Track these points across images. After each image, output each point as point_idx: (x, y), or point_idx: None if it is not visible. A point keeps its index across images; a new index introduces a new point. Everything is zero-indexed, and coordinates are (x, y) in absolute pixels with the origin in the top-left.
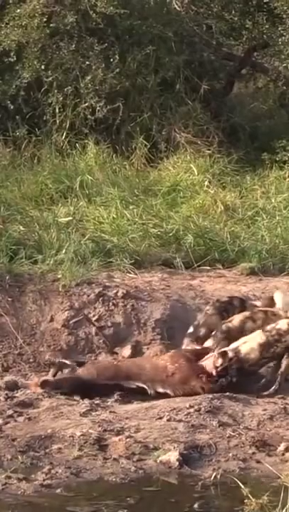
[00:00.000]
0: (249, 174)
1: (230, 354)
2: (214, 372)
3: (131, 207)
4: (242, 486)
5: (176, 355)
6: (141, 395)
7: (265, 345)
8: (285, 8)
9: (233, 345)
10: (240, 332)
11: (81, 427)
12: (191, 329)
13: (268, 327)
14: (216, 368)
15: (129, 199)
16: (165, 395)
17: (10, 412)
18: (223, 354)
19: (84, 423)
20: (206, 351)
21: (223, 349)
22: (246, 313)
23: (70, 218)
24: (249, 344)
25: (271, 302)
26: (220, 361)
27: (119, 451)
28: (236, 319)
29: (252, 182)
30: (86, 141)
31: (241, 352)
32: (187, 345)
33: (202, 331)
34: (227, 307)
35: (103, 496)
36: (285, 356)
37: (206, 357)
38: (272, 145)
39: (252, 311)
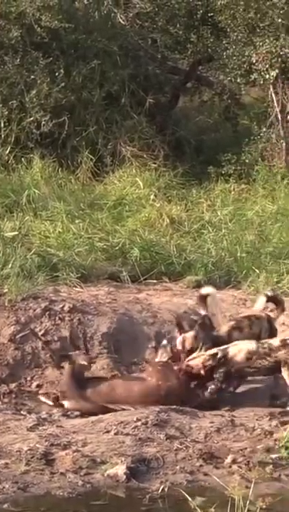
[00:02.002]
0: (195, 187)
1: (220, 354)
2: (202, 372)
3: (77, 221)
4: (189, 499)
5: (164, 371)
6: None
7: (254, 353)
8: (229, 21)
9: (224, 347)
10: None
11: (28, 441)
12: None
13: (263, 340)
14: (205, 367)
15: (75, 213)
16: None
17: None
18: (214, 355)
19: (31, 438)
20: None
21: (213, 350)
22: (232, 323)
23: (16, 233)
24: (238, 347)
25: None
26: (210, 362)
27: (67, 465)
28: (223, 329)
29: (198, 195)
30: (31, 155)
31: (229, 353)
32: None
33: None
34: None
35: (51, 510)
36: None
37: (192, 356)
38: (218, 158)
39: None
